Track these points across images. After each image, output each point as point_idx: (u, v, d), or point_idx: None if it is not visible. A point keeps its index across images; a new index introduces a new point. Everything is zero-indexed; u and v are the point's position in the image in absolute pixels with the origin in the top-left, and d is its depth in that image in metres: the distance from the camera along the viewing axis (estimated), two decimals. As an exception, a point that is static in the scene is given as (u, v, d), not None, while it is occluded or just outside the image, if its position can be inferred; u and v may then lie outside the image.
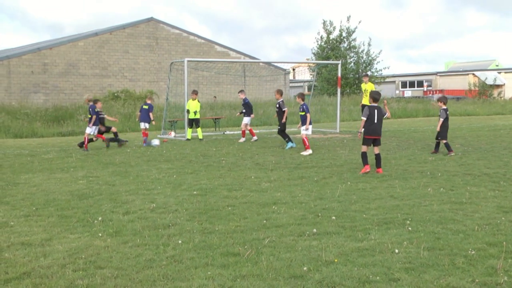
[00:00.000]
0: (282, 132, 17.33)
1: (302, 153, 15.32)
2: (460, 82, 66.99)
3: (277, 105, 17.61)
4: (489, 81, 58.73)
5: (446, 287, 4.84)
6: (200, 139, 19.95)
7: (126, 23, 44.79)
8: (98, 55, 40.91)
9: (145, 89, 38.69)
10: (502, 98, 55.91)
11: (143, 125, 18.88)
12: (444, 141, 15.09)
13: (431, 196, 9.13)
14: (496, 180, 10.64)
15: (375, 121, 11.75)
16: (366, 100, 24.06)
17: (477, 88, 55.94)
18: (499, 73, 69.64)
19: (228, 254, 5.97)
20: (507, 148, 16.31)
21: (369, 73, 49.28)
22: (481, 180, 10.66)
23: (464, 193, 9.34)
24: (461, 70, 77.31)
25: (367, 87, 23.83)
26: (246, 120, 19.75)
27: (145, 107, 19.02)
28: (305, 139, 15.57)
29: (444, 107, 15.27)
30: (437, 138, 15.40)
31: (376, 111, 11.78)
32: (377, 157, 11.94)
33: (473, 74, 67.49)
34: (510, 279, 4.99)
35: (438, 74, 76.83)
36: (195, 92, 20.22)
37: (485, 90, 55.37)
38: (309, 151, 15.32)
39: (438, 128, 15.23)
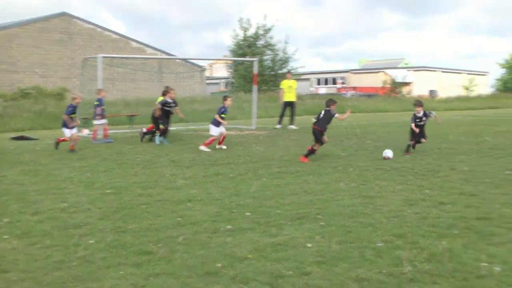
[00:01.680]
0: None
1: (201, 147, 15.61)
2: (372, 79, 69.13)
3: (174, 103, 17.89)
4: (399, 79, 60.91)
5: (355, 279, 5.00)
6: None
7: (38, 17, 43.18)
8: (6, 50, 39.23)
9: (58, 86, 37.48)
10: (411, 95, 58.13)
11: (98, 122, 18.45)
12: (411, 142, 14.50)
13: (343, 191, 9.38)
14: (404, 174, 11.07)
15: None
16: (289, 96, 24.68)
17: (388, 86, 57.85)
18: (408, 71, 72.44)
19: (141, 252, 5.90)
20: (398, 140, 16.97)
21: (285, 70, 49.95)
22: (390, 175, 11.06)
23: (374, 187, 9.66)
24: (373, 68, 79.75)
25: (292, 83, 24.81)
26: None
27: (96, 102, 18.56)
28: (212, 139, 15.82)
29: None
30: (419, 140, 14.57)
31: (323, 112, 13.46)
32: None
33: (384, 72, 69.80)
34: (414, 269, 5.21)
35: (351, 72, 78.94)
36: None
37: (395, 88, 57.36)
38: (207, 149, 15.52)
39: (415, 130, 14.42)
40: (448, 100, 54.21)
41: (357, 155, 14.23)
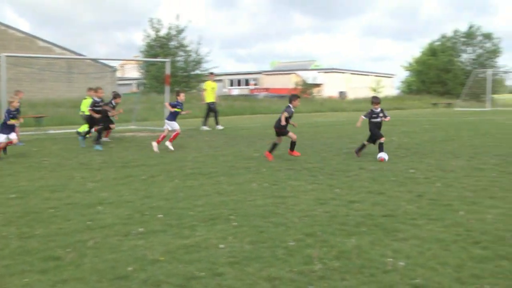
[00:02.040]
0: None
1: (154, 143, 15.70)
2: (284, 81, 70.19)
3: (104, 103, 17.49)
4: (310, 80, 62.17)
5: (267, 278, 5.05)
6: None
7: None
8: None
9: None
10: (321, 97, 59.51)
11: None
12: (366, 142, 14.14)
13: (256, 191, 9.46)
14: (315, 174, 11.30)
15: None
16: (212, 98, 24.89)
17: (299, 87, 58.91)
18: (318, 72, 74.12)
19: (48, 258, 5.69)
20: (325, 143, 17.42)
21: (198, 71, 49.86)
22: (301, 175, 11.26)
23: (286, 187, 9.81)
24: (284, 69, 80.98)
25: (214, 85, 25.52)
26: None
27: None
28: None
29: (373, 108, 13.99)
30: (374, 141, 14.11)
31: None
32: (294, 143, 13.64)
33: (295, 73, 71.04)
34: (324, 266, 5.33)
35: (264, 73, 79.79)
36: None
37: (306, 89, 58.51)
38: (156, 148, 15.47)
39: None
40: (357, 101, 55.95)
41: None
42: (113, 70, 51.98)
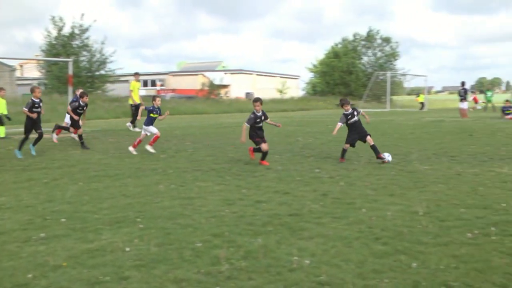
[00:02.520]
0: None
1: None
2: (191, 82, 69.93)
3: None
4: (217, 81, 62.29)
5: (174, 280, 5.01)
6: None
7: None
8: None
9: None
10: (228, 98, 59.78)
11: None
12: (346, 146, 13.35)
13: (163, 193, 9.37)
14: (222, 174, 11.34)
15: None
16: (138, 98, 24.37)
17: (206, 88, 58.89)
18: (225, 73, 74.42)
19: None
20: (233, 144, 17.50)
21: (102, 72, 48.69)
22: (209, 175, 11.26)
23: (194, 188, 9.78)
24: (191, 70, 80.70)
25: (139, 85, 25.04)
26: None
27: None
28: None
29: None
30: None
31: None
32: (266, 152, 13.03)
33: (202, 74, 70.96)
34: (231, 266, 5.36)
35: (170, 74, 79.14)
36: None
37: (213, 90, 58.58)
38: (134, 152, 15.04)
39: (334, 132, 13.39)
40: (263, 102, 56.46)
41: (177, 157, 14.29)
42: (12, 69, 49.82)
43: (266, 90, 72.44)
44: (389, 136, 19.96)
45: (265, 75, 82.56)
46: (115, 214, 7.72)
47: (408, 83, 69.11)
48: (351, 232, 6.65)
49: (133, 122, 24.19)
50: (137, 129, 23.50)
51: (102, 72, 49.07)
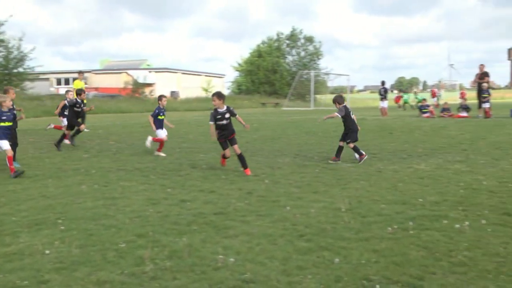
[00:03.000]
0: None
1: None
2: (115, 80, 68.59)
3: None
4: (141, 80, 61.39)
5: (97, 282, 4.90)
6: None
7: None
8: None
9: None
10: (153, 96, 59.06)
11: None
12: (352, 145, 12.99)
13: (85, 194, 9.15)
14: (147, 174, 11.20)
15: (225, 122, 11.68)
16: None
17: (130, 87, 57.92)
18: (150, 72, 73.51)
19: None
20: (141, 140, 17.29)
21: (20, 69, 46.92)
22: (133, 175, 11.10)
23: (117, 188, 9.61)
24: (115, 68, 79.20)
25: (83, 84, 24.54)
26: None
27: None
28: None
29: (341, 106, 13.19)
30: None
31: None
32: (239, 156, 11.44)
33: (126, 72, 69.76)
34: (155, 266, 5.30)
35: (93, 72, 77.37)
36: None
37: (137, 89, 57.70)
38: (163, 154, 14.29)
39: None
40: (188, 101, 56.33)
41: (100, 157, 14.01)
42: None
43: (191, 88, 72.03)
44: (314, 134, 20.30)
45: (190, 74, 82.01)
46: (34, 216, 7.48)
47: (331, 82, 70.51)
48: (276, 230, 6.71)
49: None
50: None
51: (20, 69, 47.28)
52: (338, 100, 13.39)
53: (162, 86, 70.94)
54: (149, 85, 65.67)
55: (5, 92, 13.84)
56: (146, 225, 6.98)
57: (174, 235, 6.51)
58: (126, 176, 10.93)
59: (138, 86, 58.38)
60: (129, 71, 70.07)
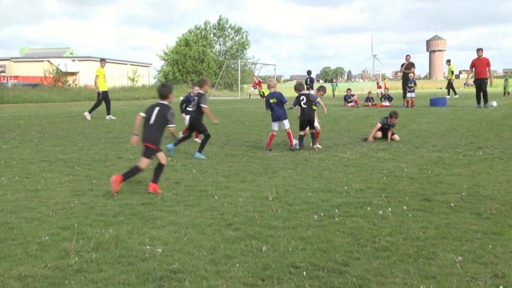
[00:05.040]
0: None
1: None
2: (36, 69, 66.41)
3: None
4: (63, 68, 59.66)
5: (18, 277, 4.73)
6: None
7: None
8: None
9: None
10: (77, 86, 57.55)
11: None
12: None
13: (5, 186, 8.83)
14: (71, 165, 10.92)
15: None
16: (104, 86, 23.92)
17: (52, 75, 56.19)
18: (73, 60, 71.57)
19: None
20: (82, 133, 16.91)
21: None
22: (56, 166, 10.79)
23: (40, 180, 9.32)
24: (36, 56, 76.67)
25: (103, 72, 23.82)
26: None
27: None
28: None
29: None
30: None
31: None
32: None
33: (48, 61, 67.67)
34: (81, 259, 5.17)
35: (12, 60, 74.61)
36: None
37: (60, 77, 56.06)
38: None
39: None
40: (114, 90, 55.22)
41: (21, 148, 13.54)
42: None
43: (116, 78, 70.66)
44: (241, 123, 20.37)
45: (115, 63, 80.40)
46: (-50, 210, 7.15)
47: (258, 72, 70.84)
48: (204, 219, 6.70)
49: (91, 111, 23.14)
50: (88, 117, 22.23)
51: None
52: (299, 87, 14.09)
53: (86, 75, 69.28)
54: (73, 74, 63.93)
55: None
56: (71, 217, 6.81)
57: (100, 226, 6.38)
58: (49, 168, 10.62)
59: (61, 75, 56.68)
60: (51, 59, 68.00)
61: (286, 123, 13.34)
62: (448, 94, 38.04)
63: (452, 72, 37.32)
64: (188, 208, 7.32)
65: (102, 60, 25.05)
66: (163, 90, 8.93)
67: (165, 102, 8.80)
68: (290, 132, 13.21)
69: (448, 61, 39.00)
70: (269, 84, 14.25)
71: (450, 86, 38.90)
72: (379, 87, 50.89)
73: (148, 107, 8.73)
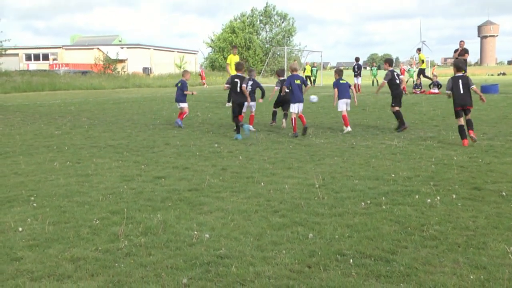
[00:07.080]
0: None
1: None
2: (86, 56, 67.64)
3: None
4: (113, 56, 60.65)
5: (71, 259, 4.87)
6: None
7: None
8: None
9: None
10: (126, 73, 58.43)
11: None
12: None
13: (58, 170, 9.07)
14: (120, 151, 11.12)
15: (461, 91, 11.85)
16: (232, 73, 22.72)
17: (102, 63, 57.19)
18: (122, 48, 72.56)
19: None
20: (130, 120, 17.19)
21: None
22: (106, 152, 11.01)
23: (90, 165, 9.53)
24: (86, 44, 78.04)
25: (236, 59, 22.65)
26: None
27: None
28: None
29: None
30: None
31: (460, 81, 11.95)
32: (469, 122, 11.78)
33: (98, 48, 68.82)
34: (130, 243, 5.28)
35: (64, 48, 76.15)
36: None
37: (109, 65, 56.99)
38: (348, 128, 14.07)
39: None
40: (161, 77, 55.90)
41: (72, 134, 13.86)
42: None
43: (164, 65, 71.44)
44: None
45: (163, 50, 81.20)
46: (5, 194, 7.39)
47: (305, 59, 70.36)
48: (250, 206, 6.74)
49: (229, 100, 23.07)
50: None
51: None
52: (279, 73, 15.99)
53: (134, 62, 70.22)
54: (121, 61, 64.88)
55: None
56: (120, 202, 6.95)
57: (149, 211, 6.49)
58: (99, 153, 10.85)
59: (110, 62, 57.61)
60: (101, 47, 69.13)
61: (301, 106, 13.79)
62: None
63: (423, 61, 35.36)
64: (235, 194, 7.37)
65: (234, 47, 24.88)
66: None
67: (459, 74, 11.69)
68: (302, 115, 13.69)
69: (419, 50, 38.16)
70: (293, 68, 14.23)
71: (421, 74, 35.82)
72: (402, 73, 48.23)
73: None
